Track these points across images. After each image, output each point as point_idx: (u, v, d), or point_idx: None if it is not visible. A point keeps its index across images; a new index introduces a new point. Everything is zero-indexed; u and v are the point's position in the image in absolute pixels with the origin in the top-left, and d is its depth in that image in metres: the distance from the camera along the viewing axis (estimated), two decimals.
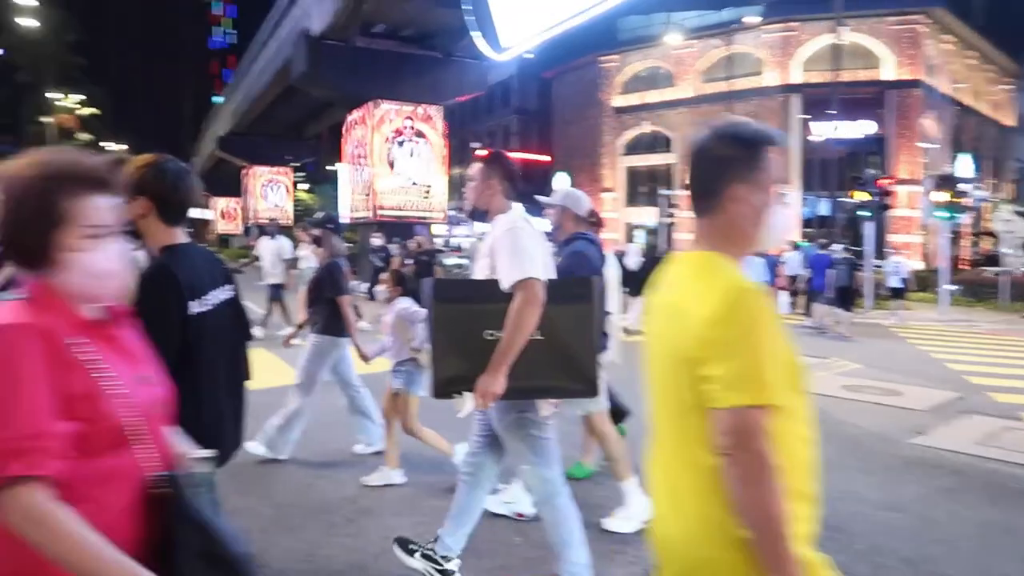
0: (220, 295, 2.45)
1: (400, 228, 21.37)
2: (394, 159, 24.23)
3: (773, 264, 17.96)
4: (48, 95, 46.26)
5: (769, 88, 34.08)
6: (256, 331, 10.67)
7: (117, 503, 1.40)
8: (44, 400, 1.28)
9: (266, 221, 21.78)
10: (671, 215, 33.74)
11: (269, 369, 7.99)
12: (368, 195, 24.50)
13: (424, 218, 23.97)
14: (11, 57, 46.08)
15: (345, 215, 25.78)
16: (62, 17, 46.90)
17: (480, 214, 3.25)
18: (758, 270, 16.68)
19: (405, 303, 4.92)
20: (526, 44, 20.58)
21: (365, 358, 5.35)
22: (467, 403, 3.09)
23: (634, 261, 13.58)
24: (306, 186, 54.64)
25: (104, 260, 1.42)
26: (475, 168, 3.26)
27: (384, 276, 5.18)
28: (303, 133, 42.54)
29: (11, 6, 38.62)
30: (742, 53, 34.51)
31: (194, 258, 2.41)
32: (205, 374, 2.32)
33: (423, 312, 4.34)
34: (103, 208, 1.42)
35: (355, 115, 25.46)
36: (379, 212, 24.08)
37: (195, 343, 2.28)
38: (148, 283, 2.22)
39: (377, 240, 18.20)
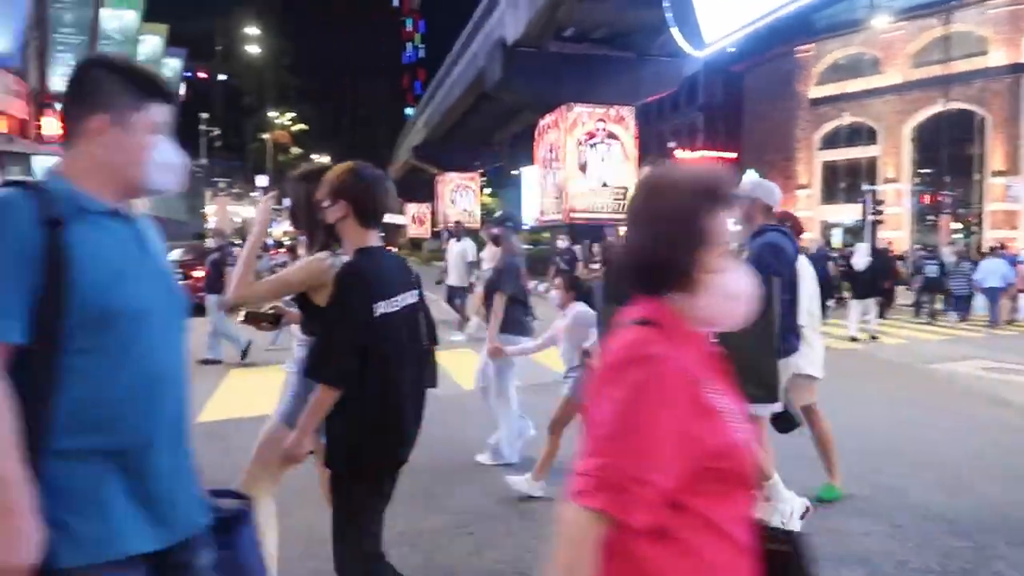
0: (407, 299, 2.51)
1: (592, 231, 21.50)
2: (586, 161, 24.44)
3: (1013, 263, 16.21)
4: (267, 114, 51.14)
5: (994, 69, 30.71)
6: (457, 336, 11.04)
7: (726, 555, 1.26)
8: (668, 447, 1.18)
9: (452, 225, 22.70)
10: (877, 211, 31.31)
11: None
12: (560, 198, 24.88)
13: (617, 220, 23.97)
14: (238, 84, 51.37)
15: (535, 217, 26.34)
16: (280, 43, 51.67)
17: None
18: (1001, 270, 15.16)
19: (579, 308, 4.77)
20: (729, 38, 19.97)
21: (498, 352, 5.21)
22: None
23: (862, 261, 12.63)
24: (488, 190, 56.55)
25: (738, 281, 1.32)
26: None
27: (557, 281, 5.04)
28: (491, 140, 43.98)
29: (239, 36, 43.11)
30: (962, 32, 31.36)
31: (384, 261, 2.53)
32: (389, 374, 2.37)
33: (595, 317, 4.24)
34: (729, 226, 1.34)
35: (548, 119, 25.96)
36: (571, 215, 24.38)
37: (380, 343, 2.35)
38: (341, 283, 2.37)
39: (563, 242, 18.35)
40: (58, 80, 33.31)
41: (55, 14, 32.40)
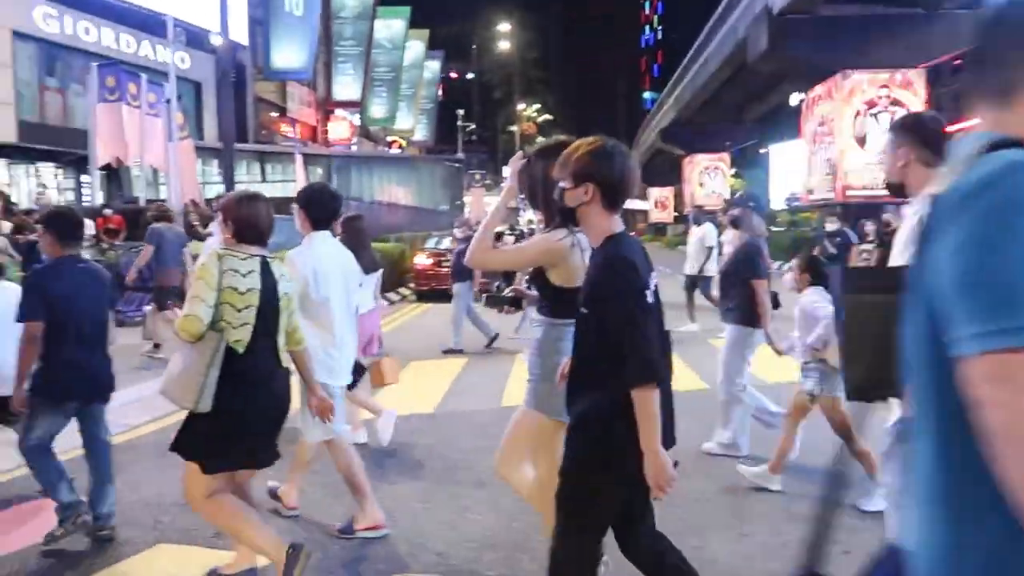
0: (654, 282, 2.35)
1: (866, 209, 19.39)
2: (865, 133, 22.19)
3: None
4: (515, 107, 53.07)
5: None
6: (691, 326, 10.32)
7: None
8: None
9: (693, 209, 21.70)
10: None
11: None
12: (832, 174, 22.88)
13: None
14: (489, 79, 53.84)
15: (793, 197, 24.50)
16: (528, 37, 53.31)
17: (898, 189, 2.58)
18: None
19: (812, 295, 4.26)
20: None
21: (778, 351, 4.84)
22: (893, 411, 2.49)
23: None
24: (732, 171, 54.15)
25: None
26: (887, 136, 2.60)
27: (795, 262, 4.52)
28: (742, 118, 41.91)
29: (491, 34, 45.05)
30: None
31: (636, 246, 2.38)
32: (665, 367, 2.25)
33: (826, 307, 3.87)
34: None
35: (818, 90, 23.98)
36: (846, 192, 22.32)
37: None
38: (613, 278, 2.21)
39: (831, 224, 16.58)
40: (340, 89, 37.16)
41: (337, 28, 36.03)
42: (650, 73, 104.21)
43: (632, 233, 2.53)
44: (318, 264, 3.64)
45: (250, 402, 2.92)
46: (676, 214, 51.98)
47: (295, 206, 3.81)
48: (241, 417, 2.90)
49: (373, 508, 3.78)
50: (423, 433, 5.81)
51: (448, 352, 9.41)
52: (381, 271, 5.74)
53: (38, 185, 22.91)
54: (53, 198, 22.25)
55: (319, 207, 3.77)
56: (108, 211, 15.24)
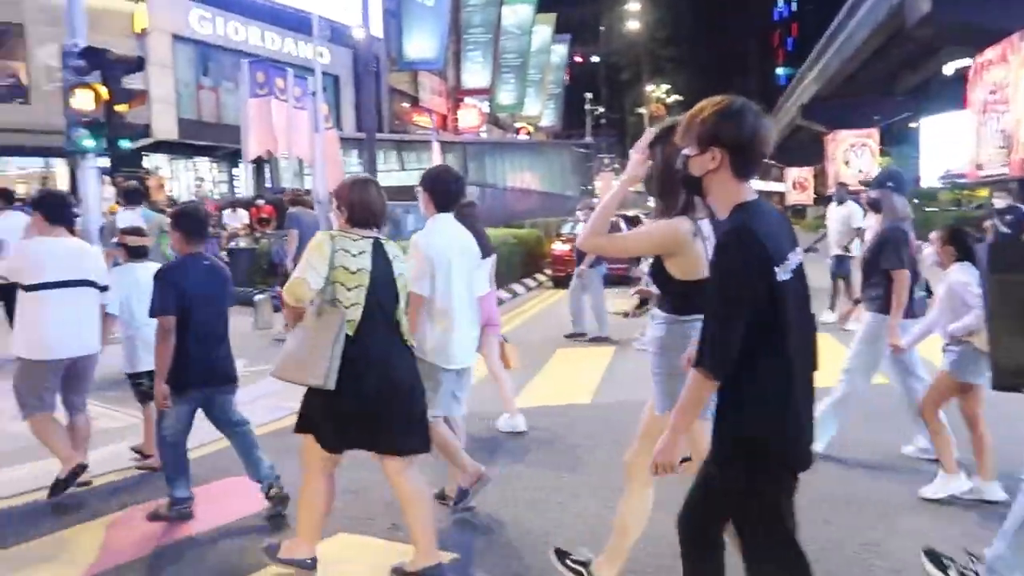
0: (796, 259, 2.07)
1: None
2: None
3: None
4: (643, 88, 51.90)
5: None
6: (825, 315, 9.33)
7: None
8: None
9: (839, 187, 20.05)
10: None
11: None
12: (1006, 147, 20.68)
13: None
14: (616, 60, 52.91)
15: (966, 173, 22.36)
16: (656, 15, 51.97)
17: None
18: None
19: (960, 273, 3.96)
20: None
21: (898, 347, 4.43)
22: None
23: None
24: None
25: None
26: None
27: (934, 234, 4.21)
28: (892, 90, 38.99)
29: (619, 14, 44.13)
30: None
31: (770, 215, 2.10)
32: (788, 355, 2.00)
33: (977, 291, 3.55)
34: None
35: (988, 54, 21.72)
36: None
37: (781, 318, 1.97)
38: (730, 248, 1.97)
39: (1001, 200, 14.73)
40: (469, 77, 37.51)
41: (466, 17, 36.32)
42: (783, 47, 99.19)
43: None
44: (440, 246, 3.66)
45: (362, 383, 2.93)
46: (815, 195, 49.21)
47: (419, 189, 3.85)
48: (352, 398, 2.92)
49: (467, 462, 3.83)
50: (584, 422, 5.65)
51: (595, 340, 9.16)
52: (495, 256, 5.75)
53: (196, 179, 24.46)
54: (207, 190, 23.74)
55: (442, 190, 3.80)
56: (260, 201, 16.00)
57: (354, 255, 2.97)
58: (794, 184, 54.21)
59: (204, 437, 4.48)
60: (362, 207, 3.10)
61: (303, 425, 3.09)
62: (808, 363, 2.11)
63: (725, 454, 2.07)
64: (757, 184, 2.23)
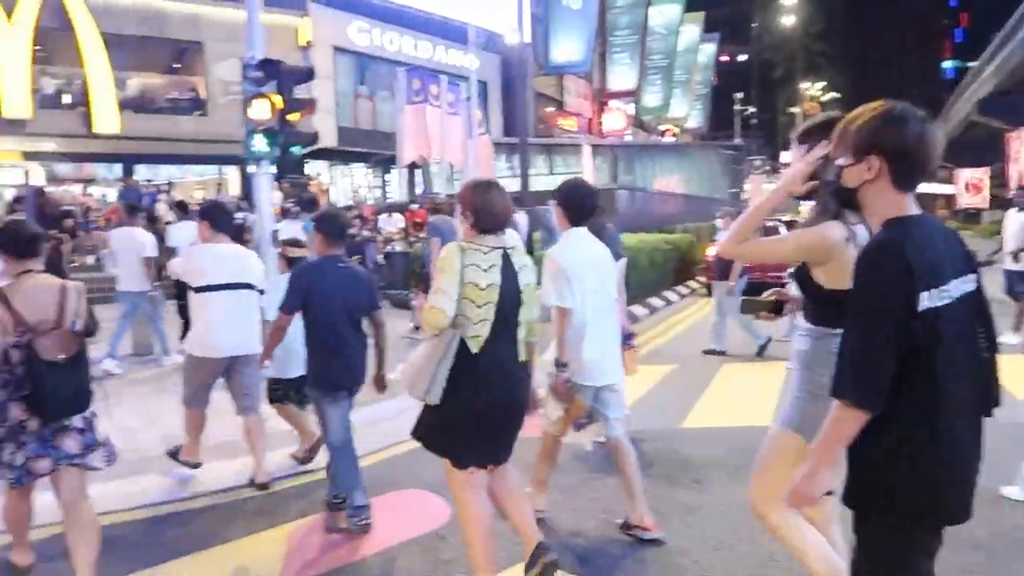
0: (962, 286, 1.83)
1: None
2: None
3: None
4: (796, 86, 49.40)
5: None
6: (1009, 337, 7.70)
7: None
8: None
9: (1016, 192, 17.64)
10: None
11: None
12: None
13: None
14: (768, 58, 50.69)
15: None
16: (811, 9, 49.37)
17: None
18: None
19: None
20: None
21: None
22: None
23: None
24: None
25: None
26: None
27: None
28: None
29: (772, 10, 42.19)
30: None
31: (932, 235, 1.83)
32: (938, 390, 1.76)
33: None
34: None
35: None
36: None
37: (928, 348, 1.73)
38: (868, 263, 1.79)
39: None
40: (615, 79, 37.06)
41: (612, 19, 35.92)
42: (951, 39, 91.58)
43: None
44: (575, 262, 3.59)
45: (484, 398, 2.89)
46: (992, 197, 44.90)
47: (552, 202, 3.81)
48: (475, 413, 2.89)
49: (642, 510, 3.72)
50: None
51: (760, 355, 8.49)
52: (624, 260, 5.61)
53: (353, 185, 25.55)
54: (363, 195, 24.73)
55: (576, 204, 3.73)
56: (415, 206, 16.38)
57: (485, 270, 2.89)
58: (967, 185, 49.75)
59: (368, 447, 4.43)
60: (486, 212, 2.99)
61: (423, 440, 3.06)
62: (977, 402, 1.89)
63: (860, 497, 1.89)
64: (920, 187, 1.95)
